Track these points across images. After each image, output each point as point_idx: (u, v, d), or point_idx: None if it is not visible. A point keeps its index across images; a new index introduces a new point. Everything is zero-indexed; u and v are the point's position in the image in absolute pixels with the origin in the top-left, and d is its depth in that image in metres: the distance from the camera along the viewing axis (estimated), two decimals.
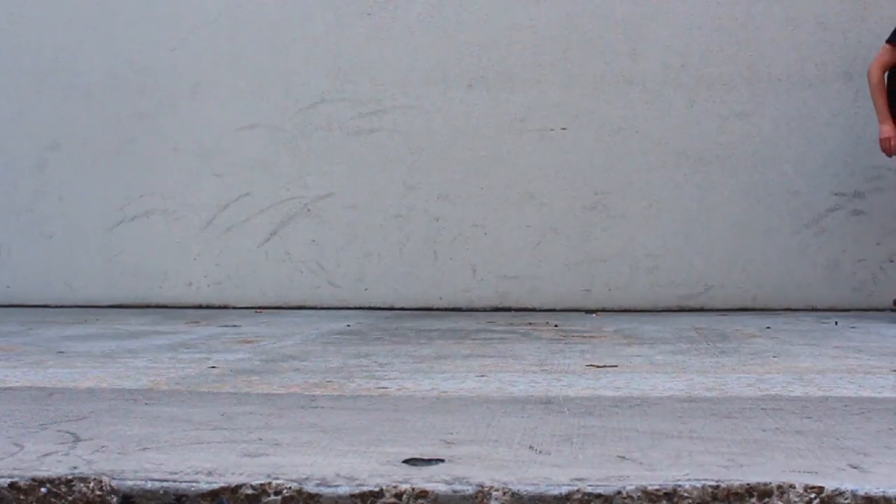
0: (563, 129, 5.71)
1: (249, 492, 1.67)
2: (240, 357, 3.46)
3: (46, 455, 1.89)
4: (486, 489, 1.65)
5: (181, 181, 5.90)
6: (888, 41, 4.99)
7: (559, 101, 5.71)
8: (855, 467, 1.77)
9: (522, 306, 5.70)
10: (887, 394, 2.62)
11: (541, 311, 5.60)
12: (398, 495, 1.65)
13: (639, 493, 1.63)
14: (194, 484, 1.69)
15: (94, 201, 5.99)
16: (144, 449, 1.94)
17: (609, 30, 5.71)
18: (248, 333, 4.32)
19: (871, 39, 5.57)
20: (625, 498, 1.63)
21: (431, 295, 5.79)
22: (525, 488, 1.65)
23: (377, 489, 1.66)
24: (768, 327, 4.52)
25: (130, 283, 5.98)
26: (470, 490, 1.65)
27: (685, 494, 1.63)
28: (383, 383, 2.83)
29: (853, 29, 5.57)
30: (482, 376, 2.96)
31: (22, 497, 1.70)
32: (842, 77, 5.57)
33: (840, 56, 5.58)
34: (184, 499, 1.67)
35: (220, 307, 5.88)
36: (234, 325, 4.71)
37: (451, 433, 2.09)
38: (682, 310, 5.58)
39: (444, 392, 2.67)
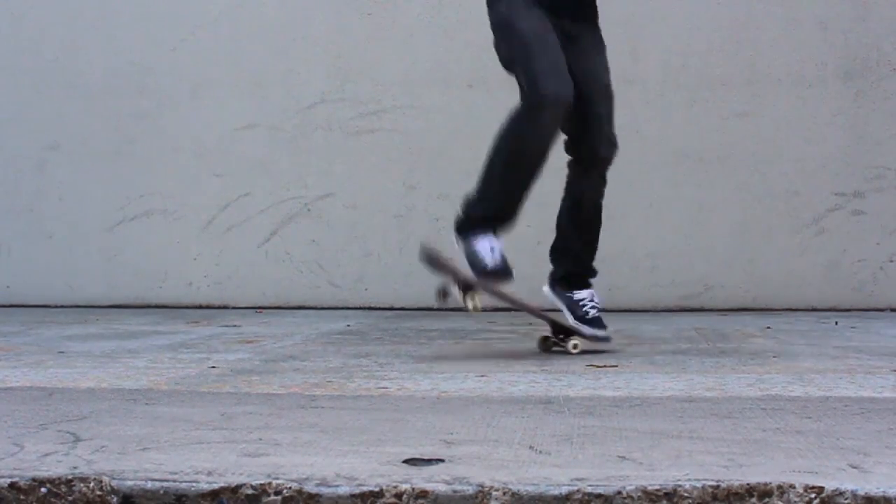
0: None
1: (249, 492, 1.67)
2: (240, 357, 3.46)
3: (46, 455, 1.89)
4: (487, 489, 1.65)
5: (181, 181, 5.89)
6: None
7: None
8: (855, 467, 1.77)
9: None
10: (887, 394, 2.62)
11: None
12: (398, 495, 1.65)
13: (639, 493, 1.63)
14: (194, 484, 1.69)
15: (94, 201, 5.99)
16: (144, 449, 1.94)
17: (609, 30, 5.69)
18: (248, 333, 4.32)
19: (871, 39, 5.57)
20: (625, 498, 1.63)
21: (431, 295, 5.77)
22: (525, 488, 1.65)
23: (377, 489, 1.66)
24: (768, 327, 4.52)
25: (130, 283, 5.98)
26: (470, 490, 1.65)
27: (685, 494, 1.63)
28: (383, 383, 2.83)
29: (853, 29, 5.57)
30: (482, 376, 2.96)
31: (22, 497, 1.70)
32: (842, 77, 5.57)
33: (840, 56, 5.58)
34: (184, 499, 1.67)
35: (220, 307, 5.88)
36: (234, 325, 4.71)
37: (451, 433, 2.09)
38: (682, 310, 5.57)
39: (444, 392, 2.67)
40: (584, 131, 3.48)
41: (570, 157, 3.57)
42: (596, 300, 3.56)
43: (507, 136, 3.32)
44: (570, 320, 3.49)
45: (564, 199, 3.63)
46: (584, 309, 3.50)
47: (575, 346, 3.45)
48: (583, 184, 3.63)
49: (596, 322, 3.50)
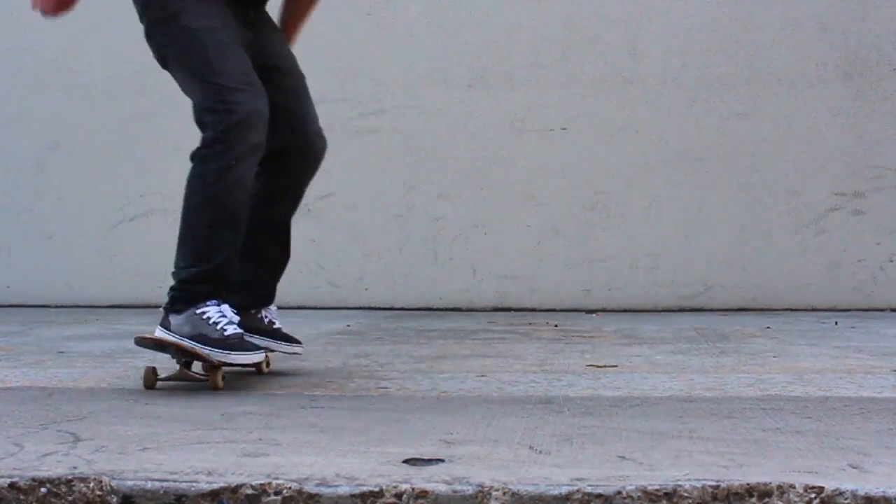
0: (563, 129, 5.71)
1: (249, 492, 1.67)
2: None
3: (46, 455, 1.89)
4: (486, 489, 1.65)
5: (181, 181, 5.84)
6: None
7: (559, 101, 5.71)
8: (855, 467, 1.77)
9: (522, 306, 5.69)
10: (887, 394, 2.62)
11: (541, 311, 5.60)
12: (398, 495, 1.65)
13: (639, 493, 1.63)
14: (194, 484, 1.69)
15: (94, 201, 5.99)
16: (144, 449, 1.94)
17: (609, 30, 5.71)
18: None
19: (871, 39, 5.57)
20: (625, 498, 1.63)
21: (431, 295, 5.78)
22: (525, 488, 1.65)
23: (377, 489, 1.66)
24: (768, 327, 4.52)
25: (130, 283, 5.98)
26: (470, 490, 1.65)
27: (685, 494, 1.63)
28: (383, 383, 2.83)
29: (853, 29, 5.57)
30: (482, 376, 2.96)
31: (22, 497, 1.70)
32: (842, 77, 5.57)
33: (840, 56, 5.58)
34: (184, 499, 1.67)
35: None
36: None
37: (451, 433, 2.09)
38: (682, 310, 5.58)
39: (444, 392, 2.67)
40: (292, 136, 2.91)
41: (264, 169, 2.89)
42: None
43: (205, 184, 2.73)
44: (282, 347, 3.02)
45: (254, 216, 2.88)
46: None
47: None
48: (286, 197, 3.02)
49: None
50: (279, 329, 3.02)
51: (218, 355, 2.64)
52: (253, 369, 2.95)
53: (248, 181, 2.73)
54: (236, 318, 2.72)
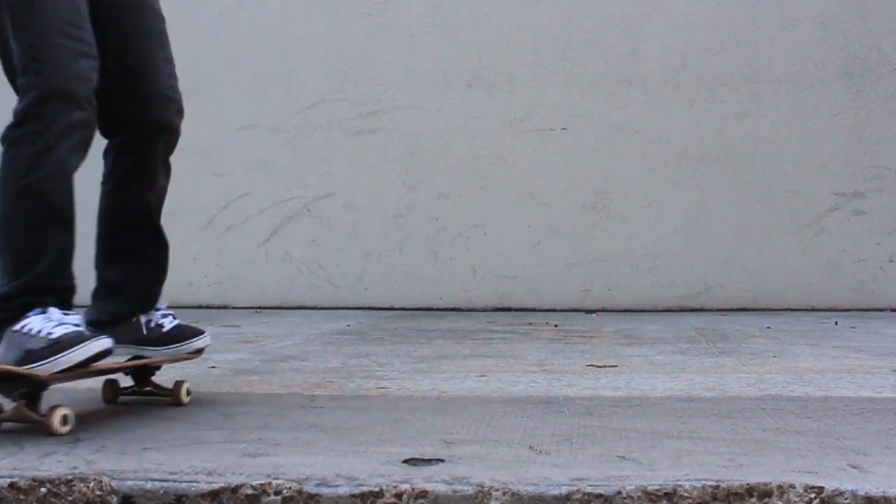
0: (563, 129, 5.71)
1: (249, 492, 1.67)
2: (240, 357, 3.46)
3: (46, 455, 1.89)
4: (486, 489, 1.65)
5: (181, 181, 5.86)
6: None
7: (559, 101, 5.71)
8: (855, 467, 1.77)
9: (522, 306, 5.70)
10: (887, 394, 2.62)
11: (541, 311, 5.60)
12: (398, 495, 1.64)
13: (639, 493, 1.63)
14: (194, 484, 1.69)
15: (94, 201, 5.98)
16: (144, 449, 1.94)
17: (609, 30, 5.71)
18: (248, 333, 4.32)
19: (872, 39, 5.57)
20: (625, 498, 1.63)
21: (431, 295, 5.78)
22: (525, 488, 1.65)
23: (377, 489, 1.66)
24: (768, 327, 4.51)
25: None
26: (470, 490, 1.65)
27: (685, 494, 1.63)
28: (383, 383, 2.83)
29: (853, 29, 5.57)
30: (482, 376, 2.96)
31: (22, 497, 1.70)
32: (842, 77, 5.57)
33: (840, 56, 5.58)
34: (184, 499, 1.67)
35: (220, 307, 5.87)
36: (234, 325, 4.71)
37: (451, 433, 2.09)
38: (682, 310, 5.58)
39: (444, 392, 2.67)
40: (129, 102, 2.34)
41: (113, 143, 2.41)
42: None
43: (18, 173, 2.12)
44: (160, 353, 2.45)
45: (107, 209, 2.47)
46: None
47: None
48: (136, 179, 2.45)
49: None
50: (168, 332, 2.43)
51: (42, 366, 2.00)
52: (169, 399, 2.44)
53: (72, 164, 2.15)
54: (72, 318, 2.10)
